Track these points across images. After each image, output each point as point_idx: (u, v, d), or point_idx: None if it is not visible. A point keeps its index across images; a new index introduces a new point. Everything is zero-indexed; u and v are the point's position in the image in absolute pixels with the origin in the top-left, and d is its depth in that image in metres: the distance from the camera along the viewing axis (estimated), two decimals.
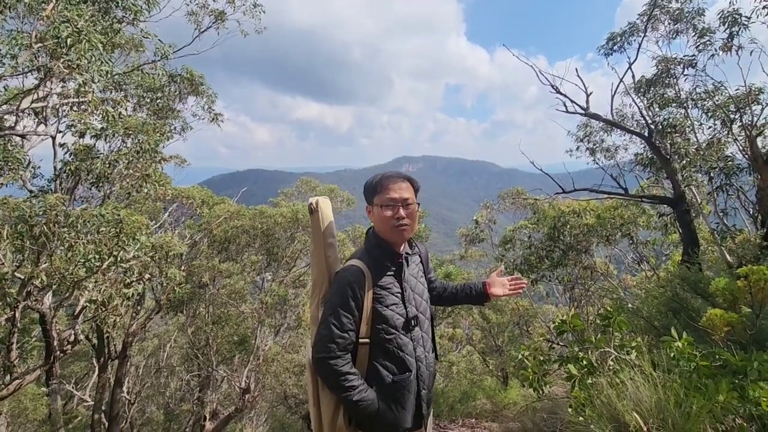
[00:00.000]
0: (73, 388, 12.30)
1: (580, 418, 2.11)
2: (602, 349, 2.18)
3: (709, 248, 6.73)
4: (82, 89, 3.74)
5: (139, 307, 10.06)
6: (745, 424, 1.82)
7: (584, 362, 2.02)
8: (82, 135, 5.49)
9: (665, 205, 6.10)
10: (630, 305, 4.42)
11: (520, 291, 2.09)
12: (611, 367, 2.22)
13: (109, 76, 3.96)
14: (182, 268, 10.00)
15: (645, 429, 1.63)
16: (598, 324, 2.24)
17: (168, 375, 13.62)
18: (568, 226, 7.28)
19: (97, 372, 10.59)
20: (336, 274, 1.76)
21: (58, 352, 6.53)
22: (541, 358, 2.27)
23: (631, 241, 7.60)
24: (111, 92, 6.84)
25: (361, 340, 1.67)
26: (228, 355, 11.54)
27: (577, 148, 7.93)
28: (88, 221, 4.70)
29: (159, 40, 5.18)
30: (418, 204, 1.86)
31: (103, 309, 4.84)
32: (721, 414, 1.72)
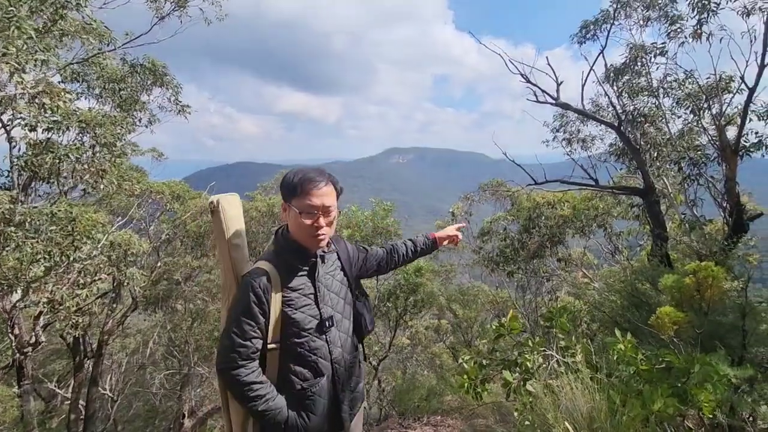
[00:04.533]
0: (55, 386, 12.09)
1: (526, 423, 2.01)
2: (544, 352, 2.08)
3: (684, 238, 6.73)
4: (18, 80, 3.50)
5: (114, 305, 9.84)
6: None
7: (522, 368, 1.91)
8: (32, 128, 5.23)
9: (636, 196, 6.05)
10: (596, 298, 4.36)
11: (459, 234, 2.26)
12: (555, 371, 2.12)
13: (45, 65, 3.72)
14: (158, 264, 9.79)
15: None
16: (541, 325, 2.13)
17: (152, 372, 13.44)
18: (543, 218, 7.22)
19: (72, 371, 10.39)
20: (242, 279, 1.63)
21: (17, 355, 6.33)
22: (484, 362, 2.15)
23: (605, 232, 7.58)
24: (69, 83, 6.56)
25: (270, 346, 1.59)
26: (208, 352, 11.38)
27: (554, 139, 7.83)
28: (36, 219, 4.49)
29: (105, 26, 4.91)
30: (339, 211, 1.76)
31: (54, 311, 4.64)
32: (655, 423, 1.63)
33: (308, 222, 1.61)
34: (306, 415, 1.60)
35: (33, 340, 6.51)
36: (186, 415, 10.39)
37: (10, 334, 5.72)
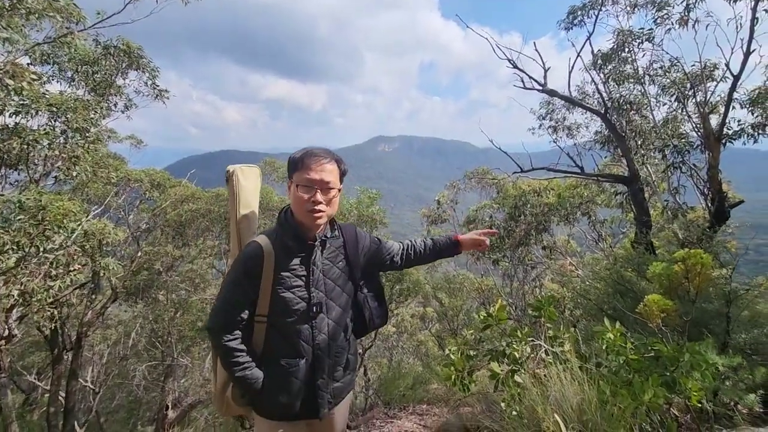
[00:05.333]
0: (35, 378, 11.85)
1: (513, 413, 1.98)
2: (533, 342, 2.03)
3: (667, 225, 6.82)
4: None
5: (93, 296, 9.59)
6: (674, 423, 1.72)
7: (510, 358, 1.86)
8: None
9: (621, 184, 6.08)
10: (580, 285, 4.37)
11: (486, 240, 2.07)
12: (544, 361, 2.08)
13: (9, 44, 3.49)
14: (138, 254, 9.55)
15: None
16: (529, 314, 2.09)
17: (134, 363, 13.28)
18: (529, 206, 7.23)
19: (51, 364, 10.16)
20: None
21: None
22: (471, 353, 2.10)
23: (589, 220, 7.65)
24: (39, 65, 6.24)
25: (258, 319, 1.63)
26: (191, 342, 11.24)
27: (540, 126, 7.82)
28: (4, 209, 4.27)
29: (74, 4, 4.64)
30: (340, 190, 1.71)
31: (26, 303, 4.45)
32: (645, 414, 1.60)
33: (305, 196, 1.59)
34: (279, 392, 1.61)
35: (6, 333, 6.29)
36: (169, 406, 10.26)
37: None
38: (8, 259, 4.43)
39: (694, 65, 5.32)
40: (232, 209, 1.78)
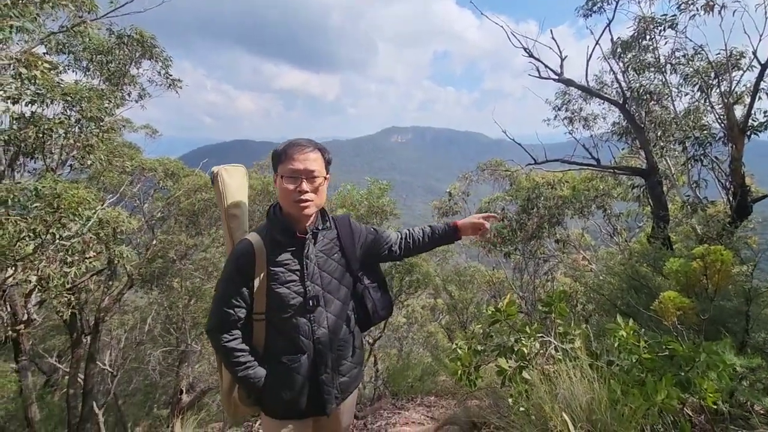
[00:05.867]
0: (56, 361, 12.22)
1: (521, 409, 1.94)
2: (542, 339, 1.99)
3: (686, 220, 6.65)
4: None
5: (110, 282, 9.80)
6: (687, 424, 1.67)
7: (518, 354, 1.82)
8: (15, 101, 5.03)
9: (638, 177, 5.92)
10: (594, 280, 4.29)
11: (486, 224, 2.03)
12: (553, 357, 2.04)
13: (22, 32, 3.52)
14: (153, 242, 9.72)
15: None
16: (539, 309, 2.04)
17: (151, 348, 13.60)
18: (542, 198, 7.11)
19: (70, 348, 10.46)
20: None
21: (9, 332, 6.31)
22: (479, 348, 2.06)
23: (604, 213, 7.50)
24: (54, 55, 6.31)
25: (256, 317, 1.61)
26: (205, 329, 11.44)
27: (555, 117, 7.65)
28: (21, 196, 4.35)
29: None
30: (326, 177, 1.68)
31: (43, 289, 4.55)
32: (657, 415, 1.55)
33: (291, 187, 1.57)
34: (283, 390, 1.59)
35: (25, 317, 6.47)
36: (183, 391, 10.50)
37: (2, 312, 5.66)
38: (27, 245, 4.53)
39: (719, 53, 5.11)
40: (221, 209, 1.78)
